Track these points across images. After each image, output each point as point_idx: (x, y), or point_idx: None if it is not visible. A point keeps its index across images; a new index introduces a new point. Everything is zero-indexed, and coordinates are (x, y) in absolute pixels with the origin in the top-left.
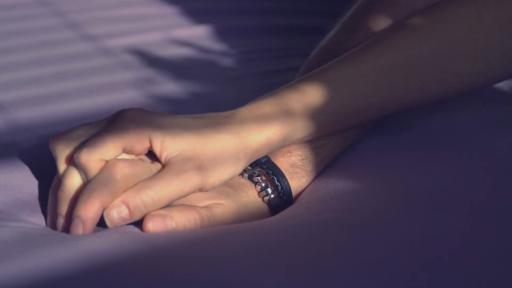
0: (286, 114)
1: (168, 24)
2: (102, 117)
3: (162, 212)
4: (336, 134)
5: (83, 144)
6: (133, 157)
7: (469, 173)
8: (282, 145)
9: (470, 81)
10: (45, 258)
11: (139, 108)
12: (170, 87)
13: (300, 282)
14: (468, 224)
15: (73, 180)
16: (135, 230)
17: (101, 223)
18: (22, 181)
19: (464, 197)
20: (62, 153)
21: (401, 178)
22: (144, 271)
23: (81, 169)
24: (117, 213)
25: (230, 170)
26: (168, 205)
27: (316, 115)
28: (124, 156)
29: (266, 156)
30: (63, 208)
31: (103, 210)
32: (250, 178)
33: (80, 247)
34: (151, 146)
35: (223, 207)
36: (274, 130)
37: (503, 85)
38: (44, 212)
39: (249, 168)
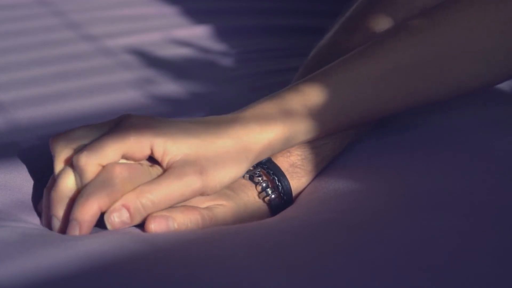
0: (288, 116)
1: (168, 24)
2: (102, 117)
3: (165, 213)
4: (336, 134)
5: (84, 147)
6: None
7: (469, 173)
8: (284, 148)
9: (471, 82)
10: (45, 258)
11: (141, 115)
12: (170, 87)
13: (300, 282)
14: (468, 224)
15: (68, 182)
16: (135, 230)
17: (100, 224)
18: (22, 181)
19: (464, 197)
20: (60, 153)
21: (401, 178)
22: (144, 271)
23: (78, 172)
24: (118, 217)
25: (231, 174)
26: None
27: (318, 117)
28: (123, 160)
29: None
30: (56, 209)
31: (101, 213)
32: (251, 178)
33: (80, 247)
34: (152, 153)
35: (224, 208)
36: (276, 132)
37: (503, 85)
38: (37, 212)
39: (250, 168)
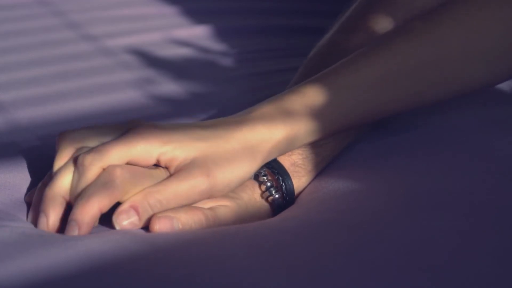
0: (291, 118)
1: (168, 24)
2: (102, 117)
3: (169, 213)
4: (336, 134)
5: (90, 149)
6: None
7: (469, 173)
8: (288, 150)
9: (472, 83)
10: (45, 258)
11: (151, 123)
12: (170, 87)
13: (300, 282)
14: (468, 224)
15: (64, 181)
16: (135, 230)
17: (101, 223)
18: (22, 181)
19: (464, 197)
20: (64, 150)
21: (401, 178)
22: (144, 271)
23: (80, 171)
24: (127, 218)
25: (240, 176)
26: None
27: (320, 119)
28: None
29: None
30: (46, 205)
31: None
32: (256, 177)
33: (80, 247)
34: (158, 162)
35: (226, 208)
36: (282, 134)
37: (503, 85)
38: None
39: None
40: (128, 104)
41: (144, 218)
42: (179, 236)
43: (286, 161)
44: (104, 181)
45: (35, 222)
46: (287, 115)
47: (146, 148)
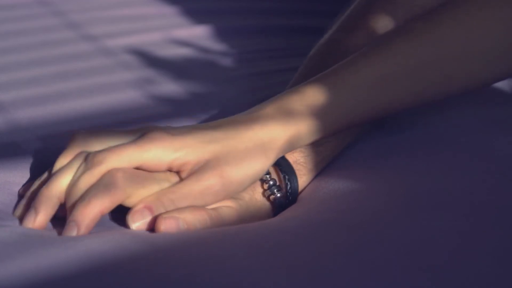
0: (292, 118)
1: (168, 24)
2: (102, 117)
3: (175, 214)
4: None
5: (103, 150)
6: None
7: (469, 173)
8: (291, 150)
9: (472, 82)
10: (45, 258)
11: (165, 129)
12: (170, 87)
13: (300, 282)
14: (468, 224)
15: (62, 182)
16: (135, 230)
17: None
18: (22, 181)
19: (464, 197)
20: (71, 149)
21: (401, 178)
22: (144, 271)
23: (88, 167)
24: (141, 218)
25: (252, 176)
26: None
27: (321, 119)
28: None
29: None
30: (39, 203)
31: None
32: None
33: (80, 247)
34: (170, 168)
35: (229, 208)
36: (287, 134)
37: (503, 85)
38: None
39: None
40: (128, 104)
41: None
42: (179, 236)
43: (288, 159)
44: (106, 183)
45: (22, 217)
46: (288, 115)
47: (158, 154)
